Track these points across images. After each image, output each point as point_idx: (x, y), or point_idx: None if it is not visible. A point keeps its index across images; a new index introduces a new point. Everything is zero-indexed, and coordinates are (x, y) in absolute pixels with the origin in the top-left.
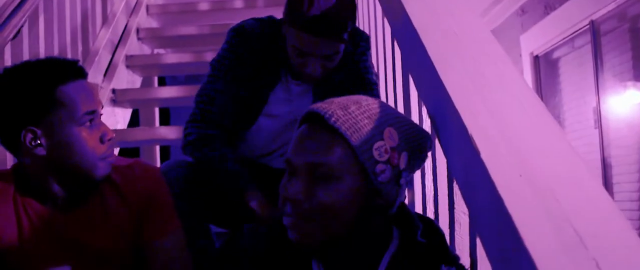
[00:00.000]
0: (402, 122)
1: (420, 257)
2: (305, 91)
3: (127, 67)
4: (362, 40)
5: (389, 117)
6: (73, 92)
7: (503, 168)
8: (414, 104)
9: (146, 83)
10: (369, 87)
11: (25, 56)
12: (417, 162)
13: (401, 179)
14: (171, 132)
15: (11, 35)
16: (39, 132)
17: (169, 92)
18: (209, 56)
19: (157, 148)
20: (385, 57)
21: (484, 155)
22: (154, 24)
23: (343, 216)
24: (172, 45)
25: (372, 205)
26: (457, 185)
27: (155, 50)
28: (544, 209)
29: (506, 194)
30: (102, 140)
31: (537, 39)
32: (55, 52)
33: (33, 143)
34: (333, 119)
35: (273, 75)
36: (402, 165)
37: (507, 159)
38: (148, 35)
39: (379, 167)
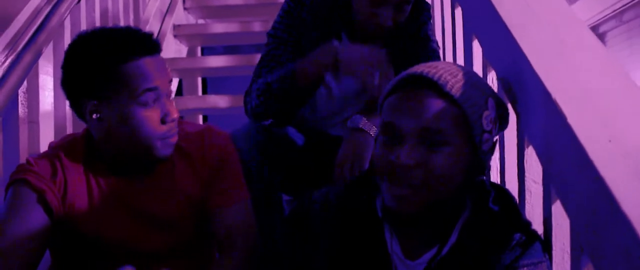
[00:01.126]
0: (495, 93)
1: (492, 224)
2: None
3: (175, 36)
4: (424, 10)
5: (487, 86)
6: (136, 70)
7: (591, 132)
8: (477, 69)
9: (190, 53)
10: (432, 54)
11: (83, 22)
12: (500, 131)
13: (494, 147)
14: (222, 101)
15: (76, 1)
16: (99, 105)
17: (216, 61)
18: (256, 26)
19: (200, 118)
20: (443, 20)
21: (570, 120)
22: None
23: (453, 183)
24: (217, 15)
25: (472, 172)
26: (527, 153)
27: (200, 21)
28: (636, 173)
29: (598, 159)
30: (163, 121)
31: (583, 12)
32: (109, 20)
33: (93, 115)
34: (448, 86)
35: (332, 36)
36: (496, 134)
37: (594, 123)
38: (194, 5)
39: (485, 136)
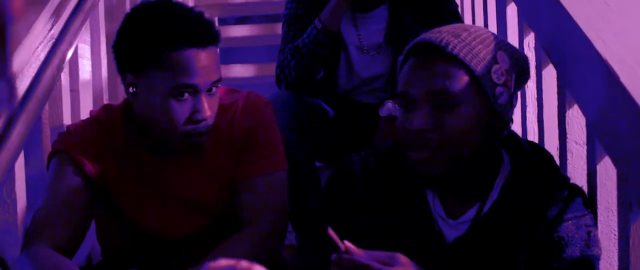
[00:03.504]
0: (508, 45)
1: (531, 180)
2: (376, 23)
3: (196, 7)
4: None
5: (497, 41)
6: (181, 61)
7: None
8: (512, 33)
9: None
10: (451, 13)
11: None
12: (521, 84)
13: (514, 100)
14: (247, 70)
15: None
16: (137, 81)
17: (237, 31)
18: None
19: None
20: None
21: (624, 80)
22: None
23: (471, 141)
24: None
25: (492, 128)
26: (568, 115)
27: None
28: None
29: None
30: (191, 118)
31: None
32: None
33: (130, 88)
34: (450, 46)
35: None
36: (513, 87)
37: None
38: None
39: (498, 89)
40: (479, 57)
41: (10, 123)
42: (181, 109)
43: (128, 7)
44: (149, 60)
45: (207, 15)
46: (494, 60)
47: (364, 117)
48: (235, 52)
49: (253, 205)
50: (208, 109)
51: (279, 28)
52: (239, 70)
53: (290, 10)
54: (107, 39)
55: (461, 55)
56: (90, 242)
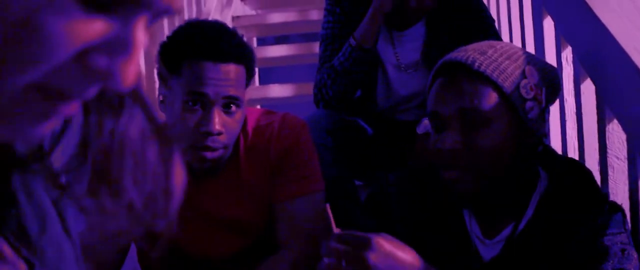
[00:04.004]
0: (536, 59)
1: (568, 196)
2: (413, 40)
3: (234, 28)
4: None
5: (525, 55)
6: (194, 70)
7: None
8: (549, 46)
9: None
10: (488, 28)
11: None
12: (553, 97)
13: (545, 114)
14: (286, 90)
15: None
16: (164, 88)
17: (275, 51)
18: (314, 14)
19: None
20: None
21: None
22: None
23: (502, 158)
24: (272, 5)
25: (524, 144)
26: (608, 129)
27: (258, 11)
28: None
29: None
30: (198, 129)
31: None
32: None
33: (159, 96)
34: (477, 64)
35: None
36: (544, 102)
37: None
38: None
39: (528, 104)
40: (507, 72)
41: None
42: (191, 119)
43: (166, 29)
44: (173, 70)
45: (246, 36)
46: (522, 75)
47: (403, 135)
48: (274, 72)
49: (290, 227)
50: (218, 124)
51: (316, 47)
52: (278, 90)
53: (327, 29)
54: (146, 69)
55: (488, 72)
56: (131, 266)
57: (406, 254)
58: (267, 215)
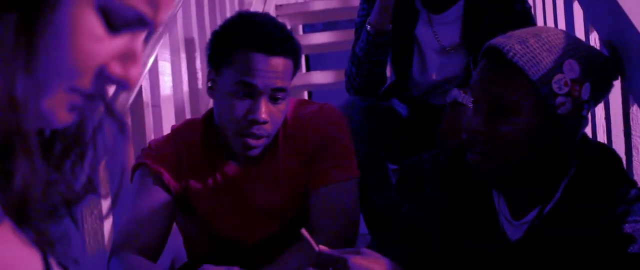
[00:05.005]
0: (585, 52)
1: (595, 182)
2: (452, 22)
3: (278, 16)
4: None
5: (570, 48)
6: (243, 60)
7: None
8: (578, 30)
9: (293, 32)
10: (521, 13)
11: (193, 9)
12: (601, 92)
13: (583, 110)
14: (325, 77)
15: None
16: (214, 75)
17: (318, 38)
18: (357, 1)
19: (306, 95)
20: None
21: None
22: None
23: (521, 149)
24: None
25: (552, 137)
26: (632, 111)
27: None
28: None
29: None
30: (246, 118)
31: None
32: (216, 5)
33: (209, 83)
34: (511, 53)
35: (413, 13)
36: (585, 96)
37: None
38: None
39: (559, 99)
40: (541, 65)
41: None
42: (240, 107)
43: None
44: (224, 58)
45: (290, 23)
46: (558, 68)
47: (438, 118)
48: (319, 59)
49: (325, 212)
50: (264, 113)
51: None
52: (322, 77)
53: (361, 17)
54: (187, 57)
55: (521, 63)
56: (175, 247)
57: (381, 267)
58: (300, 203)
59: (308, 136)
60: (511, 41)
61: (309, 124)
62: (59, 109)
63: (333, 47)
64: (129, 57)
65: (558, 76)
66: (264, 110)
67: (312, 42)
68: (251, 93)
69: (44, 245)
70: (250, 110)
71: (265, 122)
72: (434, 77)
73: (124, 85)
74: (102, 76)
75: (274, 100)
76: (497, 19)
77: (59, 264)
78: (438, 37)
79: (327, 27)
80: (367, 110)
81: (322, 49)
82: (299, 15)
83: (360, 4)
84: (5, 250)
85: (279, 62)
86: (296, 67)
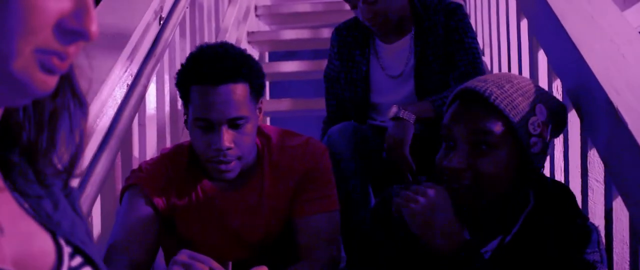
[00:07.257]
0: (548, 98)
1: (552, 216)
2: (401, 52)
3: (249, 43)
4: (456, 11)
5: (538, 93)
6: (198, 95)
7: None
8: (542, 76)
9: (260, 59)
10: (469, 51)
11: (176, 35)
12: (557, 133)
13: (547, 148)
14: (292, 104)
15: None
16: (186, 109)
17: (287, 67)
18: (325, 32)
19: (268, 121)
20: (508, 31)
21: (631, 127)
22: (267, 2)
23: (501, 183)
24: (285, 22)
25: (523, 172)
26: (590, 154)
27: (271, 27)
28: None
29: None
30: (210, 148)
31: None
32: (196, 31)
33: (184, 116)
34: (493, 97)
35: (367, 48)
36: (548, 137)
37: None
38: (264, 12)
39: (533, 139)
40: (518, 109)
41: (94, 160)
42: (204, 139)
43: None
44: (185, 96)
45: (259, 50)
46: (532, 112)
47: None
48: (281, 86)
49: (311, 240)
50: (227, 141)
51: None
52: (286, 104)
53: (332, 71)
54: (170, 79)
55: (502, 106)
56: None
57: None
58: (279, 230)
59: (294, 166)
60: (488, 85)
61: (295, 153)
62: (31, 70)
63: (298, 76)
64: (82, 10)
65: (533, 119)
66: (226, 138)
67: (278, 70)
68: (210, 126)
69: (52, 224)
70: (212, 141)
71: (229, 148)
72: (389, 100)
73: (84, 36)
74: (62, 31)
75: (235, 127)
76: (444, 57)
77: (68, 242)
78: (384, 67)
79: (286, 57)
80: (356, 141)
81: (287, 77)
82: (268, 43)
83: (330, 59)
84: (19, 224)
85: (229, 90)
86: (256, 90)
